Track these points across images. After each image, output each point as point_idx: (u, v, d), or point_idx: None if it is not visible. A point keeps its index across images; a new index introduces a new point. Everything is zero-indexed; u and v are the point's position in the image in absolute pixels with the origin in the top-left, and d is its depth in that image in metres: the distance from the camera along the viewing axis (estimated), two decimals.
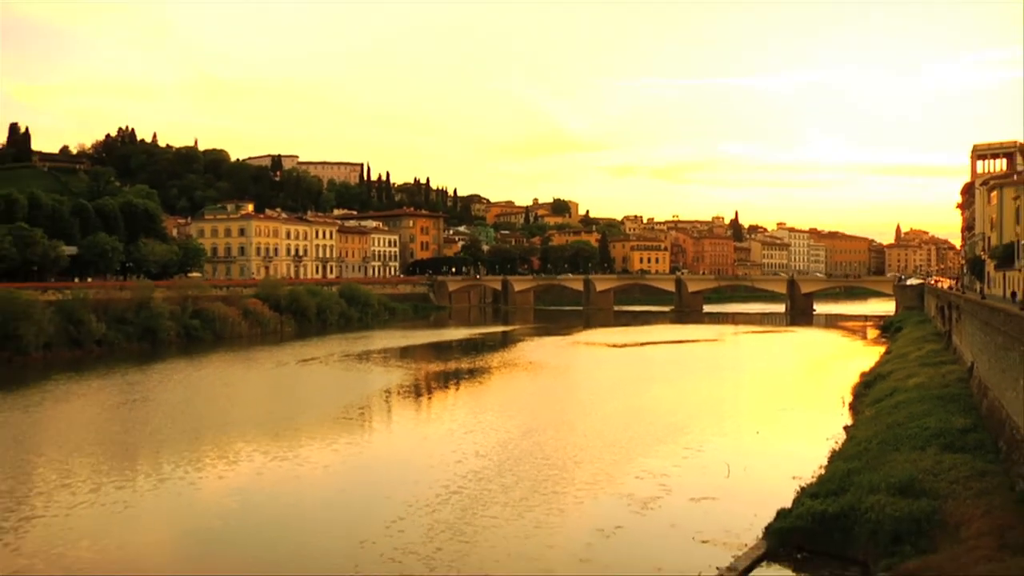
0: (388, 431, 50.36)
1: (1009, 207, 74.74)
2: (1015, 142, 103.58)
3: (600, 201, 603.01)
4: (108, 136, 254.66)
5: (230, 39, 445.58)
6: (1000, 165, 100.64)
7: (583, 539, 27.43)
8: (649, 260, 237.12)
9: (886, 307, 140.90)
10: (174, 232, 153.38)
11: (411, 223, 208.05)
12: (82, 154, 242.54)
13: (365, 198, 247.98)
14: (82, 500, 32.71)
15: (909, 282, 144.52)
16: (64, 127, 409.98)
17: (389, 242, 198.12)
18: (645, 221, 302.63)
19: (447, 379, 72.82)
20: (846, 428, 42.70)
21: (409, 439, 47.48)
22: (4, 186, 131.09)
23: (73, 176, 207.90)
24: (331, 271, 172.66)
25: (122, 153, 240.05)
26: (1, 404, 57.98)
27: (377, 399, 59.63)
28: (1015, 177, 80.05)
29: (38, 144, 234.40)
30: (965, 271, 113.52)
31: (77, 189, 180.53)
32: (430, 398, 62.88)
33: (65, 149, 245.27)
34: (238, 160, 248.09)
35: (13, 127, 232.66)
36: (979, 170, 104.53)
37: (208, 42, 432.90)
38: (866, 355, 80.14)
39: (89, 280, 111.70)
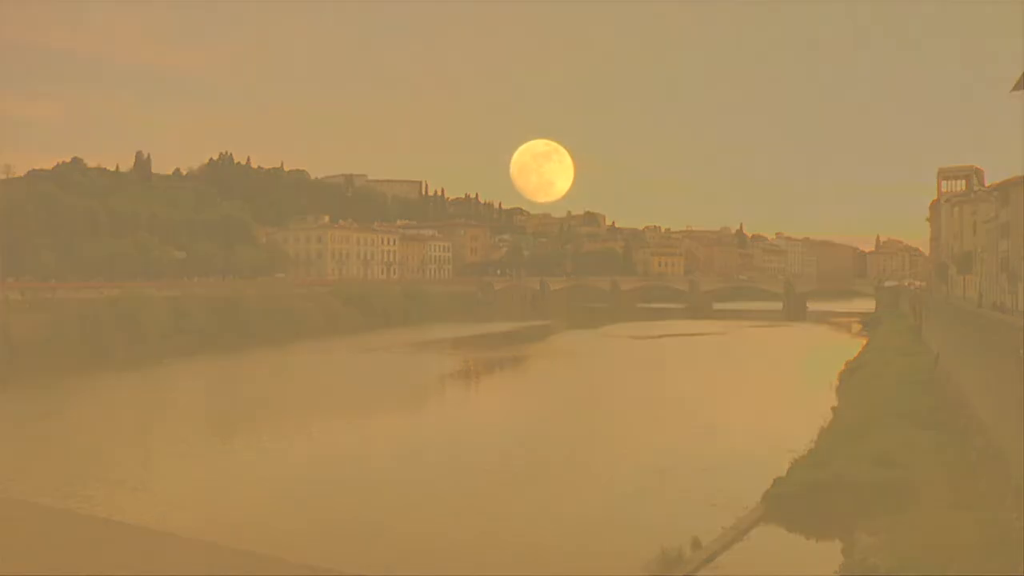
0: (440, 412, 50.74)
1: (968, 221, 74.67)
2: (972, 166, 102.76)
3: (625, 214, 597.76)
4: (211, 159, 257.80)
5: (309, 78, 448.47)
6: (960, 185, 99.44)
7: (609, 503, 27.69)
8: (666, 264, 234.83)
9: (868, 305, 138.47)
10: (263, 240, 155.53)
11: (463, 232, 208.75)
12: (190, 174, 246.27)
13: (424, 211, 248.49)
14: (193, 464, 33.41)
15: (887, 284, 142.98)
16: (177, 151, 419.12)
17: (444, 248, 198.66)
18: (663, 231, 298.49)
19: (492, 365, 73.32)
20: (833, 408, 42.49)
21: (456, 418, 47.85)
22: (130, 203, 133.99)
23: (183, 193, 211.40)
24: (394, 273, 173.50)
25: (222, 173, 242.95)
26: (127, 382, 59.94)
27: (433, 382, 60.09)
28: (972, 196, 79.90)
29: (157, 167, 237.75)
30: (933, 275, 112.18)
31: (186, 204, 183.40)
32: (477, 381, 63.42)
33: (177, 171, 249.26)
34: (317, 178, 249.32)
35: (138, 154, 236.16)
36: (944, 189, 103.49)
37: (292, 80, 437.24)
38: (851, 346, 79.08)
39: (195, 280, 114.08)
